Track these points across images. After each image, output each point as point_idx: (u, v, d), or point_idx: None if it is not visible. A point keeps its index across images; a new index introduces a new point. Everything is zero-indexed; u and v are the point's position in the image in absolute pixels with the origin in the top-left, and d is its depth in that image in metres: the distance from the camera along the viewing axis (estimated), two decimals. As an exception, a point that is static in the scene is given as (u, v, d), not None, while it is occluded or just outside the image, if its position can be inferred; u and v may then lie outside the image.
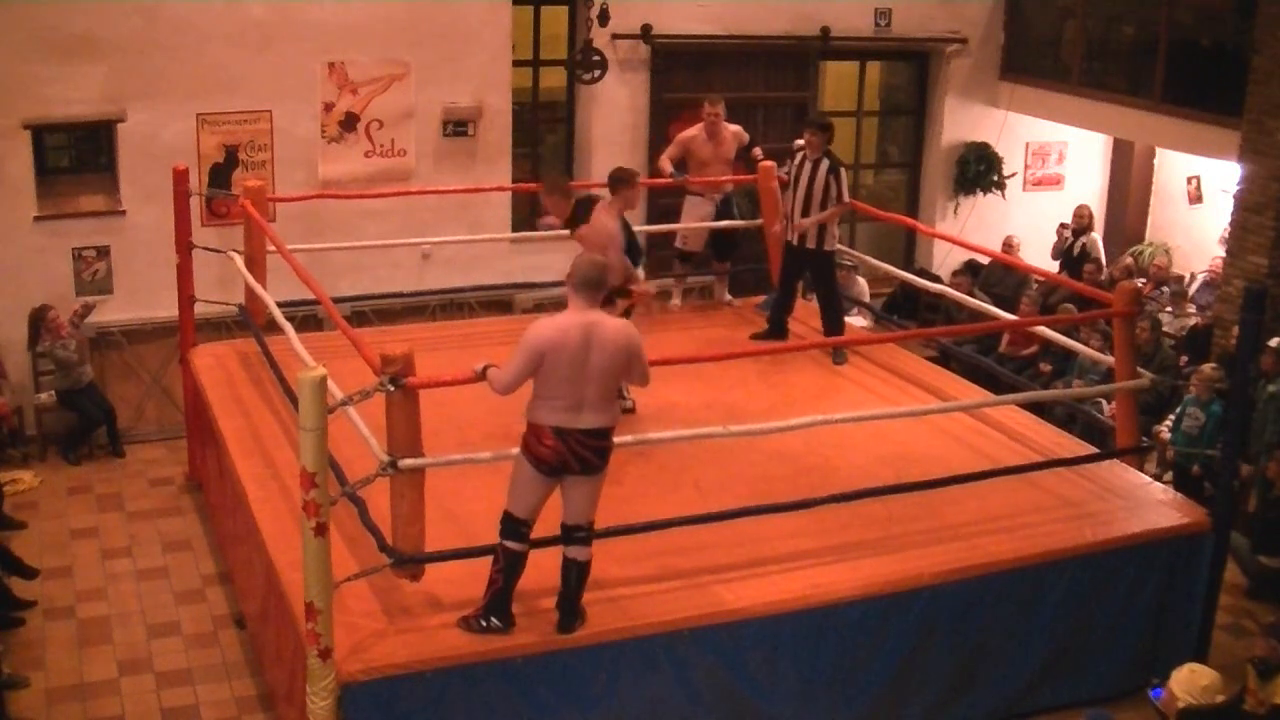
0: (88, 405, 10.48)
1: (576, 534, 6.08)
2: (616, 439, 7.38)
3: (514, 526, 6.02)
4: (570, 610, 6.17)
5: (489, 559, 6.12)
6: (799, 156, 9.25)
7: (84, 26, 10.23)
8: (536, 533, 6.10)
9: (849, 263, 11.77)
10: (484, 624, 6.08)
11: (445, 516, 6.64)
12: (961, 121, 13.59)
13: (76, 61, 10.26)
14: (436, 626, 6.14)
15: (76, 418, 10.53)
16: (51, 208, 10.60)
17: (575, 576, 6.14)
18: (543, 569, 6.15)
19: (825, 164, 9.11)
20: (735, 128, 10.40)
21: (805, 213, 9.21)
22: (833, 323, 9.58)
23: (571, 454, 5.86)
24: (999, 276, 12.76)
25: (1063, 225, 13.47)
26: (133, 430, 10.89)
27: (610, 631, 6.22)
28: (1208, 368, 9.45)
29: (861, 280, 12.19)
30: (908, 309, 12.78)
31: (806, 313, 10.70)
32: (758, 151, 10.45)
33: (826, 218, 9.22)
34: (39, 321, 10.33)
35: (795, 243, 9.40)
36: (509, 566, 6.05)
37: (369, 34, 11.07)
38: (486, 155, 11.61)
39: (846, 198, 9.31)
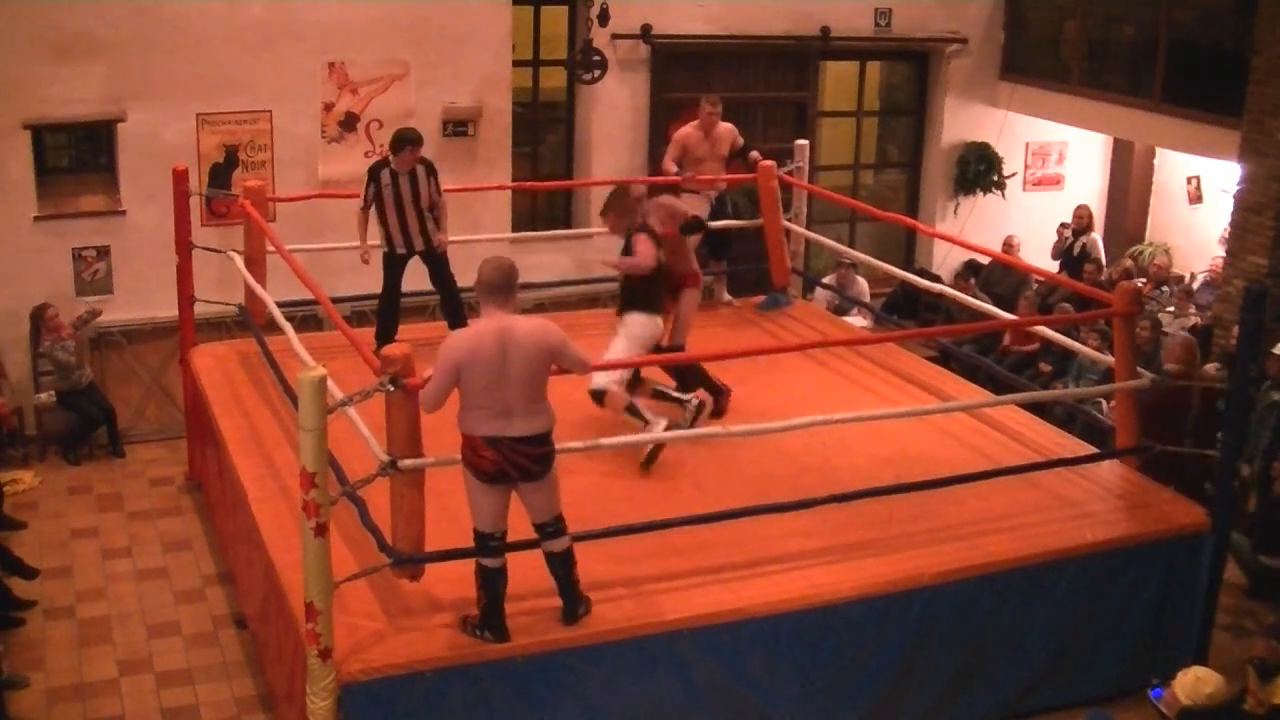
0: (87, 406, 10.49)
1: (548, 530, 6.06)
2: (618, 439, 7.44)
3: (484, 542, 6.00)
4: (571, 598, 6.17)
5: (488, 560, 6.12)
6: (384, 175, 8.80)
7: (84, 26, 10.24)
8: (514, 536, 6.07)
9: (849, 262, 11.80)
10: (478, 634, 6.08)
11: (445, 516, 6.63)
12: (961, 121, 13.60)
13: (76, 61, 10.26)
14: (436, 626, 6.13)
15: (76, 418, 10.53)
16: (51, 208, 10.60)
17: (561, 566, 6.13)
18: (539, 568, 6.15)
19: (423, 169, 8.92)
20: (729, 126, 10.40)
21: (422, 221, 8.96)
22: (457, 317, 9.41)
23: (508, 463, 5.78)
24: (999, 276, 12.77)
25: (1063, 225, 13.48)
26: (133, 430, 10.89)
27: (610, 631, 6.21)
28: (1210, 367, 9.44)
29: (861, 280, 12.19)
30: (908, 309, 12.79)
31: (806, 313, 10.72)
32: (756, 155, 10.46)
33: (446, 224, 9.15)
34: (39, 319, 10.34)
35: (420, 249, 9.12)
36: (489, 583, 6.03)
37: (369, 34, 11.07)
38: (486, 155, 11.62)
39: (441, 192, 9.15)
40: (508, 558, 6.07)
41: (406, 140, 8.84)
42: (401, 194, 8.88)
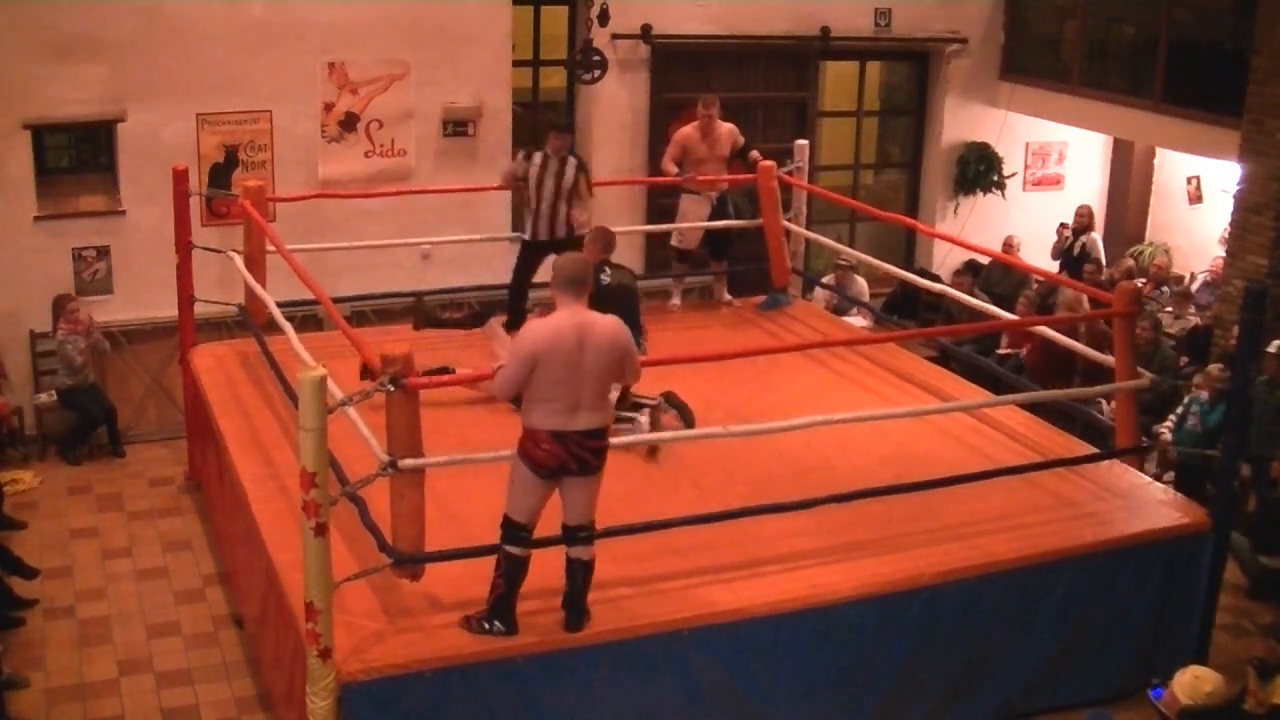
0: (90, 405, 10.49)
1: (579, 534, 6.07)
2: (617, 440, 7.42)
3: (514, 532, 6.00)
4: (577, 609, 6.17)
5: (489, 559, 6.11)
6: (538, 158, 9.23)
7: (84, 26, 10.24)
8: (538, 533, 6.10)
9: (847, 262, 11.79)
10: (486, 627, 6.08)
11: (445, 516, 6.64)
12: (961, 121, 13.59)
13: (76, 61, 10.26)
14: (436, 626, 6.13)
15: (76, 417, 10.53)
16: (51, 208, 10.60)
17: (581, 576, 6.14)
18: (543, 569, 6.15)
19: (573, 161, 9.27)
20: (729, 126, 10.41)
21: (554, 207, 9.26)
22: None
23: (570, 456, 5.84)
24: (999, 276, 12.76)
25: (1063, 225, 13.48)
26: (133, 430, 10.89)
27: (610, 631, 6.22)
28: (1214, 368, 9.44)
29: (861, 280, 12.19)
30: (908, 309, 12.78)
31: (806, 313, 10.72)
32: (756, 154, 10.46)
33: (587, 213, 9.48)
34: (60, 310, 10.35)
35: (547, 238, 9.35)
36: (510, 572, 6.04)
37: (369, 34, 11.07)
38: (486, 155, 11.61)
39: (591, 191, 9.50)
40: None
41: (549, 126, 9.37)
42: (544, 178, 9.19)
